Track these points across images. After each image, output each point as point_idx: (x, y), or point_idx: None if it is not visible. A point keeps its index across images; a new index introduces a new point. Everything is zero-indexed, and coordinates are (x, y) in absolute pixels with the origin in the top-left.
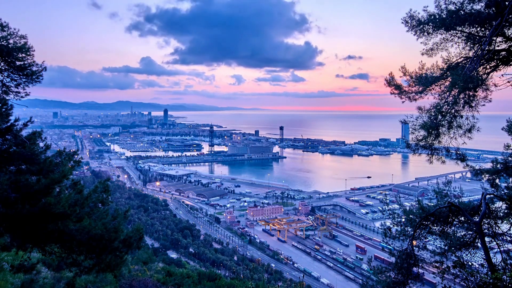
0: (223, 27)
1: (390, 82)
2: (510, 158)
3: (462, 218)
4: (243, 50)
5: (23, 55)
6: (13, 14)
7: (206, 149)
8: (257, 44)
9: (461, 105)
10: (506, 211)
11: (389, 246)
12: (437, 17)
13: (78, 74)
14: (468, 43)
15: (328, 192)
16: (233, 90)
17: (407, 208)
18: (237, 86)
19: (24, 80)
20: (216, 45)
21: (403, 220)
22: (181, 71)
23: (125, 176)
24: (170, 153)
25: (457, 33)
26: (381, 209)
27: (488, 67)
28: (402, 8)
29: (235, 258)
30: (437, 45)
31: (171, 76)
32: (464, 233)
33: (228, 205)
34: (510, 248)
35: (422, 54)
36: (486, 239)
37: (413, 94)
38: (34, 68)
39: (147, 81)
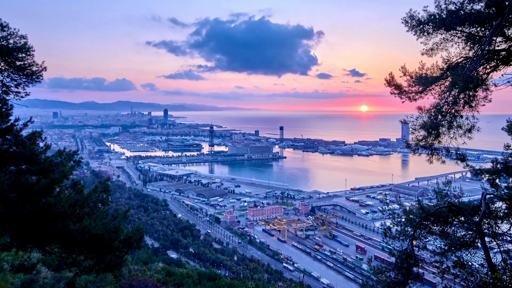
0: (244, 47)
1: (390, 82)
2: (510, 158)
3: (462, 218)
4: (261, 63)
5: (23, 55)
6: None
7: (206, 149)
8: (272, 58)
9: (461, 105)
10: (506, 211)
11: (389, 246)
12: (437, 17)
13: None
14: (468, 43)
15: (328, 192)
16: (249, 91)
17: (407, 208)
18: (254, 89)
19: (24, 80)
20: (238, 59)
21: (403, 220)
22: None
23: (125, 176)
24: (170, 153)
25: (457, 33)
26: (381, 209)
27: (488, 67)
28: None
29: (235, 258)
30: (437, 45)
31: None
32: (464, 233)
33: (228, 205)
34: (510, 248)
35: (422, 54)
36: (486, 239)
37: (413, 94)
38: (34, 68)
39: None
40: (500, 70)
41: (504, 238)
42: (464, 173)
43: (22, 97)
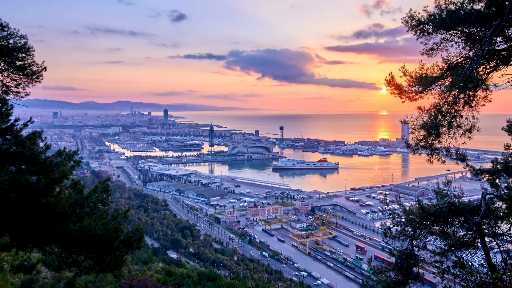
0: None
1: (390, 82)
2: (510, 158)
3: (462, 218)
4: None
5: (23, 55)
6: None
7: (206, 149)
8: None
9: (461, 105)
10: (506, 211)
11: (389, 246)
12: (437, 17)
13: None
14: (468, 43)
15: (328, 192)
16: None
17: (407, 208)
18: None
19: (24, 80)
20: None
21: (403, 220)
22: None
23: (125, 176)
24: (170, 153)
25: (457, 33)
26: (381, 209)
27: (488, 67)
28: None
29: (235, 258)
30: (437, 45)
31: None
32: (464, 233)
33: (228, 205)
34: (510, 248)
35: (422, 54)
36: (486, 239)
37: (413, 94)
38: (34, 68)
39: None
40: (500, 70)
41: (504, 238)
42: (464, 173)
43: (22, 97)
